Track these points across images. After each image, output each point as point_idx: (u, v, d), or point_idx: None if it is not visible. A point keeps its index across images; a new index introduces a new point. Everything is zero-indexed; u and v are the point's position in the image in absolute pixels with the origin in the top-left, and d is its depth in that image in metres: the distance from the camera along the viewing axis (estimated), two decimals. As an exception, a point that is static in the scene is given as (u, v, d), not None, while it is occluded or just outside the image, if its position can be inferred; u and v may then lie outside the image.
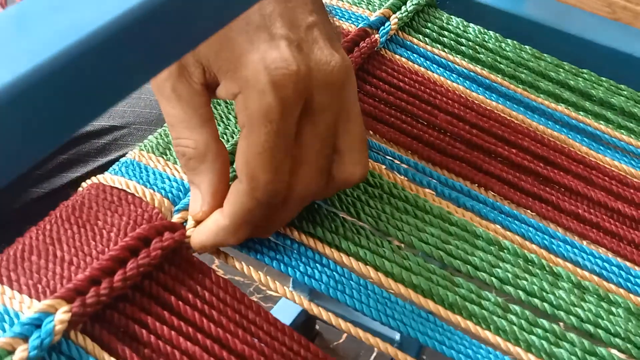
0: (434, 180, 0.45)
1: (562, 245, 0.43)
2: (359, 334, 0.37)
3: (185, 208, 0.39)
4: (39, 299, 0.34)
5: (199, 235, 0.37)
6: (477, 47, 0.55)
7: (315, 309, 0.37)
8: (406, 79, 0.51)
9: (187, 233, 0.38)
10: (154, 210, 0.38)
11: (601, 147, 0.50)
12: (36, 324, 0.32)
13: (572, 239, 0.43)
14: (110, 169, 0.41)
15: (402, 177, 0.45)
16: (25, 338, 0.31)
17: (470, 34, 0.57)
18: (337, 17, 0.55)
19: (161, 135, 0.43)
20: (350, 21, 0.55)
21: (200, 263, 0.37)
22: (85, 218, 0.38)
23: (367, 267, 0.39)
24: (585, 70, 0.55)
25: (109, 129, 0.68)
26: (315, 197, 0.39)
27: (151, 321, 0.34)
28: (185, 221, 0.38)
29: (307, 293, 0.93)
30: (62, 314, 0.32)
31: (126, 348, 0.33)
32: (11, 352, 0.31)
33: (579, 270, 0.42)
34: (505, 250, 0.41)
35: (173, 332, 0.34)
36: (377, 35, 0.53)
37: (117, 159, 0.52)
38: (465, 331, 0.37)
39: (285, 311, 1.03)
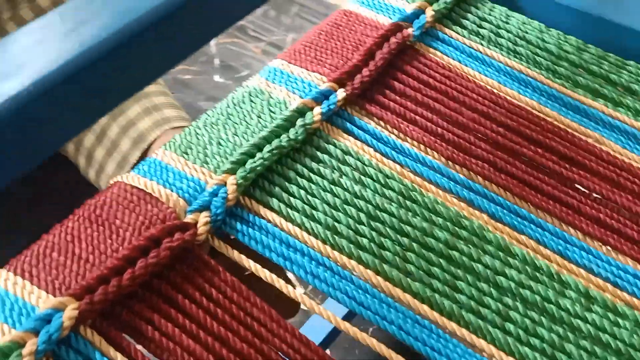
0: (452, 182, 0.45)
1: (577, 251, 0.42)
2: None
3: (199, 208, 0.41)
4: (54, 295, 0.37)
5: None
6: (517, 39, 0.55)
7: (342, 325, 0.39)
8: (437, 75, 0.51)
9: (199, 231, 0.40)
10: (168, 210, 0.41)
11: (637, 147, 0.49)
12: (47, 319, 0.35)
13: (589, 245, 0.43)
14: (135, 167, 0.43)
15: (420, 179, 0.45)
16: (36, 332, 0.34)
17: (512, 25, 0.56)
18: (373, 9, 0.55)
19: (185, 134, 0.45)
20: (386, 13, 0.55)
21: (210, 262, 0.39)
22: (104, 217, 0.40)
23: (368, 270, 0.40)
24: (631, 63, 0.54)
25: None
26: None
27: (157, 318, 0.37)
28: (197, 221, 0.40)
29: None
30: (71, 311, 0.35)
31: (131, 344, 0.36)
32: (22, 346, 0.34)
33: (592, 277, 0.41)
34: (514, 257, 0.41)
35: (177, 330, 0.37)
36: (410, 29, 0.53)
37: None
38: (460, 339, 0.38)
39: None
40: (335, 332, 0.95)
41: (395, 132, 0.48)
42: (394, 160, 0.46)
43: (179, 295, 0.38)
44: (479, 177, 0.46)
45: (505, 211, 0.44)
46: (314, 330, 0.94)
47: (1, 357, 0.33)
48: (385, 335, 0.39)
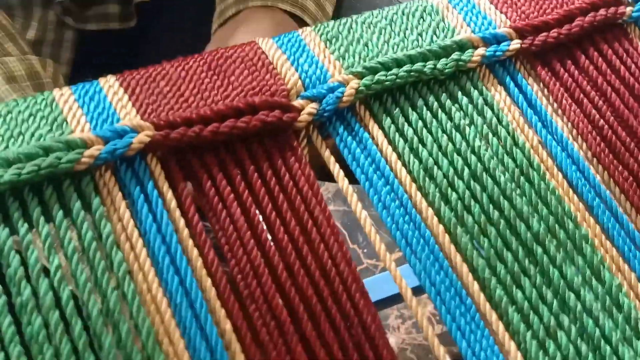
0: (584, 181, 0.41)
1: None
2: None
3: (311, 97, 0.40)
4: (141, 117, 0.38)
5: None
6: None
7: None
8: (633, 66, 0.45)
9: (300, 118, 0.39)
10: (282, 87, 0.40)
11: None
12: (121, 134, 0.36)
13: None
14: (277, 37, 0.43)
15: (551, 162, 0.41)
16: (106, 141, 0.36)
17: None
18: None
19: (338, 24, 0.44)
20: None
21: (298, 148, 0.39)
22: (224, 68, 0.41)
23: (440, 225, 0.37)
24: None
25: None
26: None
27: (221, 177, 0.37)
28: (303, 108, 0.40)
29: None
30: (144, 136, 0.36)
31: (186, 189, 0.37)
32: (87, 147, 0.35)
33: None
34: (603, 284, 0.37)
35: (232, 196, 0.37)
36: (630, 8, 0.47)
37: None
38: (493, 333, 0.35)
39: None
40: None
41: (554, 105, 0.44)
42: (535, 133, 0.42)
43: (252, 166, 0.38)
44: (621, 193, 0.41)
45: (626, 238, 0.39)
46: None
47: (66, 147, 0.35)
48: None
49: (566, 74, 0.44)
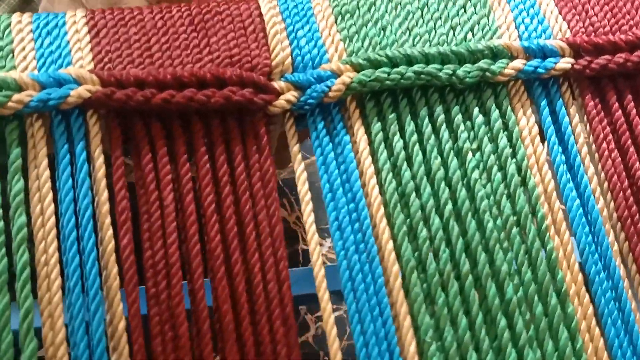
0: (601, 263, 0.34)
1: None
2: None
3: (296, 82, 0.34)
4: (94, 67, 0.34)
5: None
6: None
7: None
8: None
9: (275, 103, 0.34)
10: (265, 61, 0.35)
11: None
12: (61, 82, 0.32)
13: None
14: (284, -2, 0.37)
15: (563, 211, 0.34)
16: (43, 87, 0.32)
17: None
18: None
19: (360, -3, 0.38)
20: None
21: (263, 137, 0.34)
22: (207, 25, 0.35)
23: (398, 273, 0.32)
24: None
25: None
26: None
27: (162, 153, 0.33)
28: (283, 92, 0.34)
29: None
30: (84, 90, 0.32)
31: (120, 157, 0.33)
32: (20, 90, 0.32)
33: None
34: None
35: (169, 177, 0.33)
36: None
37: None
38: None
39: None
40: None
41: (592, 147, 0.36)
42: (554, 175, 0.35)
43: (203, 147, 0.33)
44: (638, 272, 0.34)
45: (621, 329, 0.33)
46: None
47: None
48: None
49: (619, 111, 0.37)
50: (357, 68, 0.35)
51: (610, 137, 0.36)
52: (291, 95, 0.34)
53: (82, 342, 0.30)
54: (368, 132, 0.35)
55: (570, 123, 0.36)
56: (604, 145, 0.36)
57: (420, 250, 0.32)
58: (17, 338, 0.29)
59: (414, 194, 0.33)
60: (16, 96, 0.31)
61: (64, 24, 0.34)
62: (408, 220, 0.33)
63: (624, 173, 0.35)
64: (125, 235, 0.31)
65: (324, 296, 0.31)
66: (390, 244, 0.32)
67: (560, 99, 0.37)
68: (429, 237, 0.33)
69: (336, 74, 0.34)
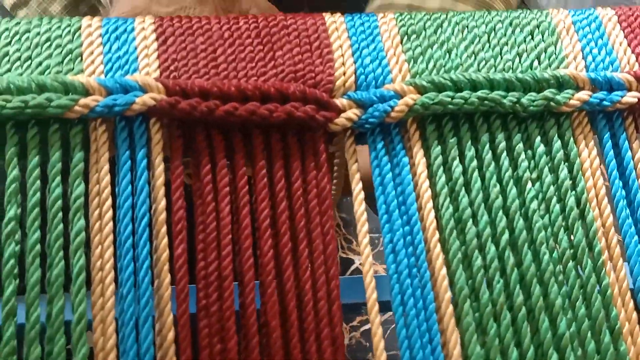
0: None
1: None
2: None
3: (358, 100, 0.34)
4: (160, 75, 0.34)
5: None
6: None
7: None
8: None
9: (336, 121, 0.34)
10: (328, 77, 0.35)
11: None
12: (127, 89, 0.32)
13: None
14: (351, 15, 0.37)
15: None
16: (109, 92, 0.32)
17: None
18: None
19: (427, 19, 0.37)
20: None
21: (322, 154, 0.34)
22: (274, 39, 0.36)
23: (449, 301, 0.32)
24: None
25: None
26: None
27: (222, 165, 0.33)
28: (344, 110, 0.34)
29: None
30: (149, 98, 0.32)
31: (180, 167, 0.33)
32: (87, 94, 0.32)
33: None
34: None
35: (226, 189, 0.33)
36: None
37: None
38: None
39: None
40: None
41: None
42: (613, 211, 0.35)
43: (262, 161, 0.33)
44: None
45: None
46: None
47: (62, 89, 0.32)
48: None
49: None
50: (421, 90, 0.34)
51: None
52: (352, 113, 0.34)
53: (131, 350, 0.30)
54: (427, 155, 0.34)
55: (633, 158, 0.36)
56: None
57: (474, 278, 0.32)
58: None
59: (470, 221, 0.33)
60: (82, 100, 0.32)
61: (133, 29, 0.35)
62: (463, 247, 0.33)
63: (686, 212, 0.35)
64: (180, 245, 0.32)
65: (375, 319, 0.31)
66: (444, 270, 0.32)
67: (624, 133, 0.36)
68: (483, 266, 0.32)
69: (399, 95, 0.34)
